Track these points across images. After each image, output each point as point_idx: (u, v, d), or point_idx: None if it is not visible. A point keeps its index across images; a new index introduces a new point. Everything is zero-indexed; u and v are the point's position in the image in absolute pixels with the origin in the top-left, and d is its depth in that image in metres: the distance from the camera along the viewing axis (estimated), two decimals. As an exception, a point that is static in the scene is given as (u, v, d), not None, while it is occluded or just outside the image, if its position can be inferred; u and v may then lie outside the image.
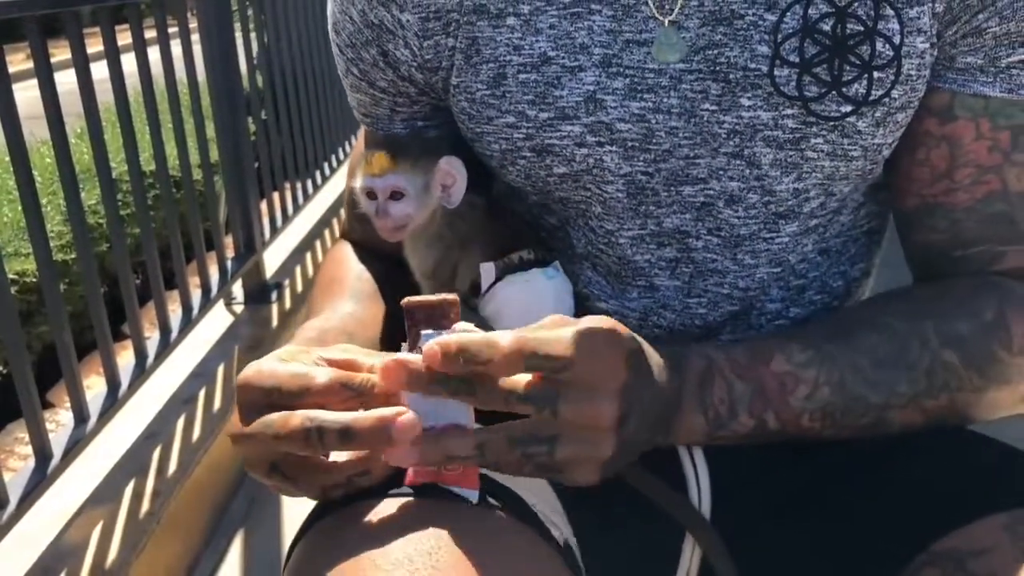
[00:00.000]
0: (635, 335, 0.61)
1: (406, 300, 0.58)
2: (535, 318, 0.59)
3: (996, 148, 0.70)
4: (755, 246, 0.73)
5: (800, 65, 0.67)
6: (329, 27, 0.79)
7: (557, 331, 0.56)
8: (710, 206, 0.72)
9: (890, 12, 0.67)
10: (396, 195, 0.74)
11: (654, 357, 0.63)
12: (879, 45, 0.67)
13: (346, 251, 0.89)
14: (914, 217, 0.76)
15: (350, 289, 0.82)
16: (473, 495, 0.60)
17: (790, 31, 0.67)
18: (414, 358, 0.55)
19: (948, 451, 0.70)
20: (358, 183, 0.76)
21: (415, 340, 0.57)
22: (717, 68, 0.68)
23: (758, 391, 0.66)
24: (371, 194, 0.75)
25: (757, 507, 0.77)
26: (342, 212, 0.97)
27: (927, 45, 0.68)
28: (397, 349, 0.59)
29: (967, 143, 0.70)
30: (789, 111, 0.68)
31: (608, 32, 0.70)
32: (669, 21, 0.69)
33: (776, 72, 0.67)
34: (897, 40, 0.67)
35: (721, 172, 0.71)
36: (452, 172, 0.75)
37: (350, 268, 0.86)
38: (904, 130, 0.72)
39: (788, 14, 0.67)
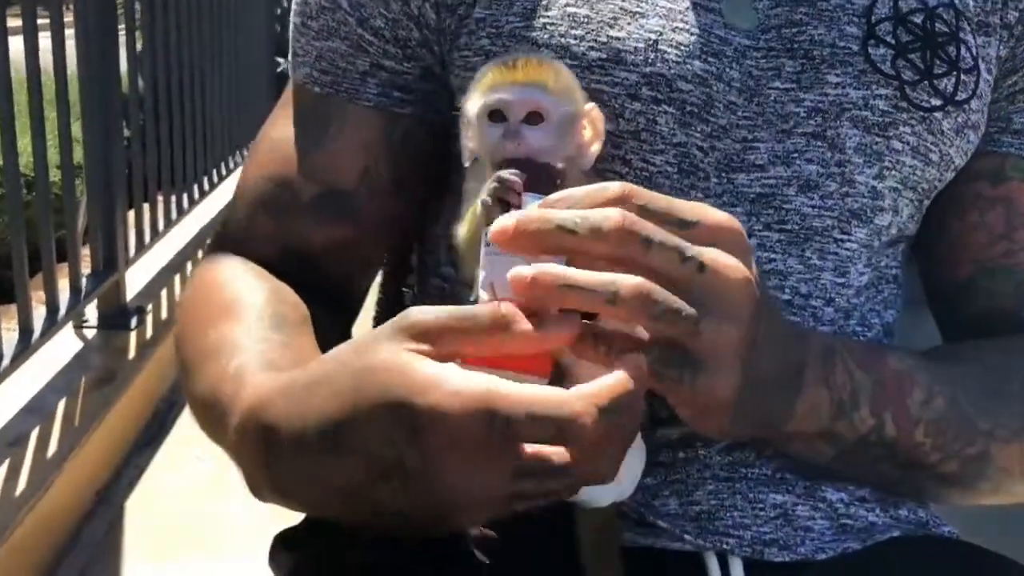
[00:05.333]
0: None
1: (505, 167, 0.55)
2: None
3: None
4: (825, 245, 0.70)
5: (896, 47, 0.69)
6: None
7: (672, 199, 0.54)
8: (770, 197, 0.69)
9: (967, 27, 0.71)
10: (534, 118, 0.58)
11: (776, 309, 0.63)
12: (962, 50, 0.70)
13: (238, 266, 0.72)
14: (971, 284, 0.76)
15: (267, 315, 0.66)
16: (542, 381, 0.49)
17: (883, 16, 0.70)
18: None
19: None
20: (484, 98, 0.59)
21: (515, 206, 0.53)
22: (795, 46, 0.69)
23: (878, 384, 0.66)
24: (496, 113, 0.58)
25: None
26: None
27: (989, 77, 0.72)
28: None
29: (1022, 204, 0.74)
30: (882, 91, 0.69)
31: None
32: None
33: (871, 51, 0.69)
34: (975, 52, 0.71)
35: (796, 155, 0.69)
36: (598, 123, 0.61)
37: (257, 286, 0.69)
38: (953, 198, 0.74)
39: (879, 2, 0.70)
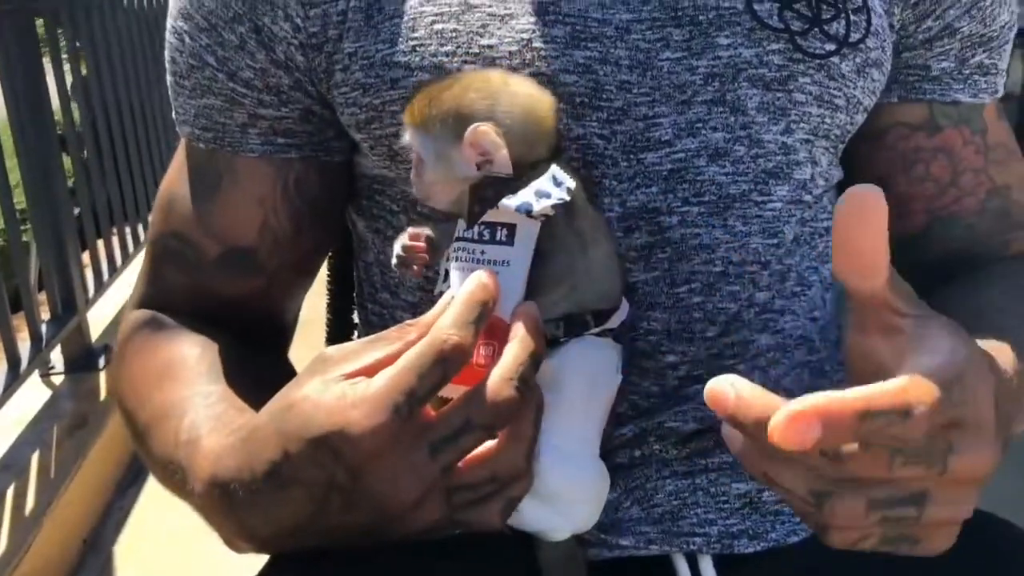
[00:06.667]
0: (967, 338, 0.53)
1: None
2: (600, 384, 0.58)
3: (979, 151, 0.76)
4: (746, 210, 0.68)
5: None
6: (172, 15, 0.70)
7: (905, 378, 0.47)
8: (682, 171, 0.67)
9: None
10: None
11: (1004, 384, 0.57)
12: None
13: (164, 325, 0.71)
14: (924, 235, 0.77)
15: (203, 370, 0.67)
16: None
17: None
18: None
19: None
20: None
21: (477, 219, 0.55)
22: (680, 13, 0.67)
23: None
24: None
25: None
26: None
27: (883, 11, 0.71)
28: None
29: (959, 149, 0.76)
30: (774, 46, 0.68)
31: None
32: None
33: (756, 7, 0.67)
34: None
35: (700, 124, 0.67)
36: (483, 146, 0.56)
37: (189, 341, 0.69)
38: (894, 155, 0.76)
39: None
